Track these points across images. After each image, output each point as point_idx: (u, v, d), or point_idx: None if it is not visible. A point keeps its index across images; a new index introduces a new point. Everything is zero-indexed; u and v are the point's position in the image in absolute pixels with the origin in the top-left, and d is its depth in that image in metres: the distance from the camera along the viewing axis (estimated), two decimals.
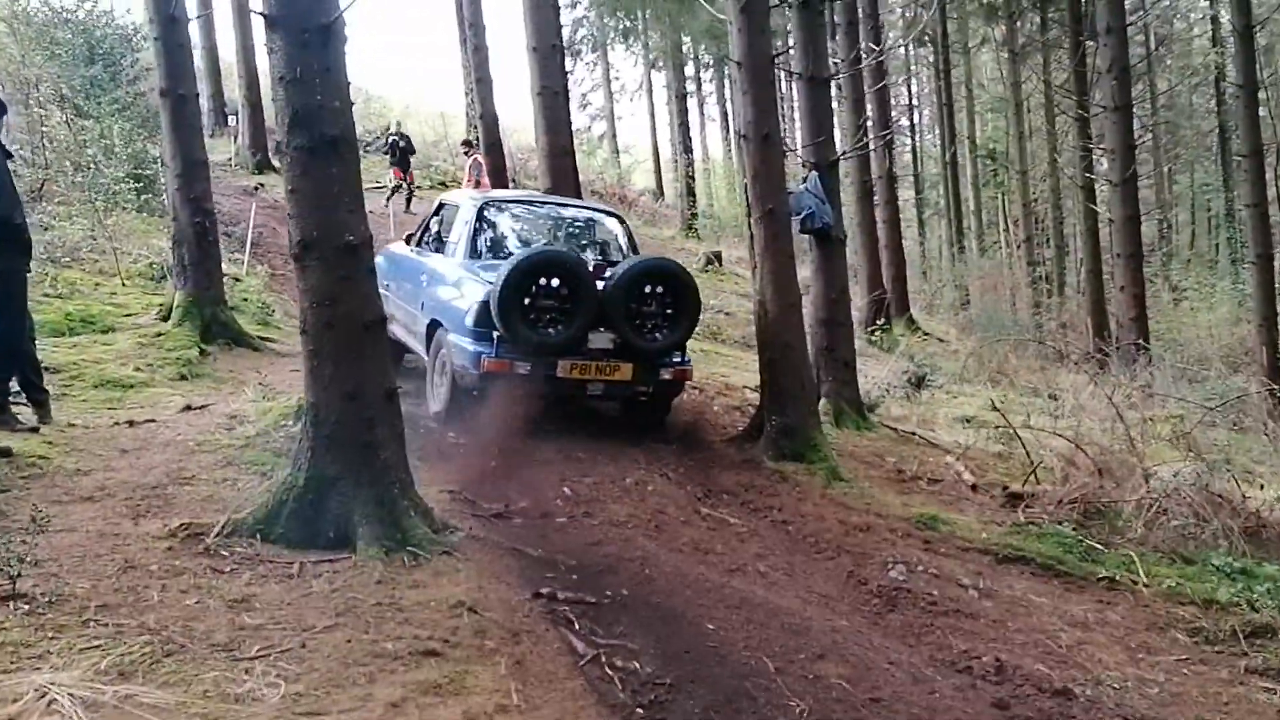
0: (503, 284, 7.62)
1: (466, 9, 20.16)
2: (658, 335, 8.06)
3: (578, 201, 10.95)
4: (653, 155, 40.46)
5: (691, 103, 38.65)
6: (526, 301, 7.69)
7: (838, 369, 9.62)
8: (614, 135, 41.82)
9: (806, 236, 9.80)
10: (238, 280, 11.96)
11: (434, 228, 9.64)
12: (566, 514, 6.31)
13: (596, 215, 9.67)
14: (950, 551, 6.58)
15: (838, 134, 11.79)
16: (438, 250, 9.24)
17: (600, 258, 8.88)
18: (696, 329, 8.71)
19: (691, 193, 29.07)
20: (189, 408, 7.38)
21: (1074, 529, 7.14)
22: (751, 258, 8.49)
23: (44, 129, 13.47)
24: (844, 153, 10.91)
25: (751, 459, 8.05)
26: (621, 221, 9.53)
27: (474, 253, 8.66)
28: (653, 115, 40.53)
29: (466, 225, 8.83)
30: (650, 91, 40.91)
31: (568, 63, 38.29)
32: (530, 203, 9.63)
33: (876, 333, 17.22)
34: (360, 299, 5.16)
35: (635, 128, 70.59)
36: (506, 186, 20.48)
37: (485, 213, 8.96)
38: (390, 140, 21.14)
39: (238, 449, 6.36)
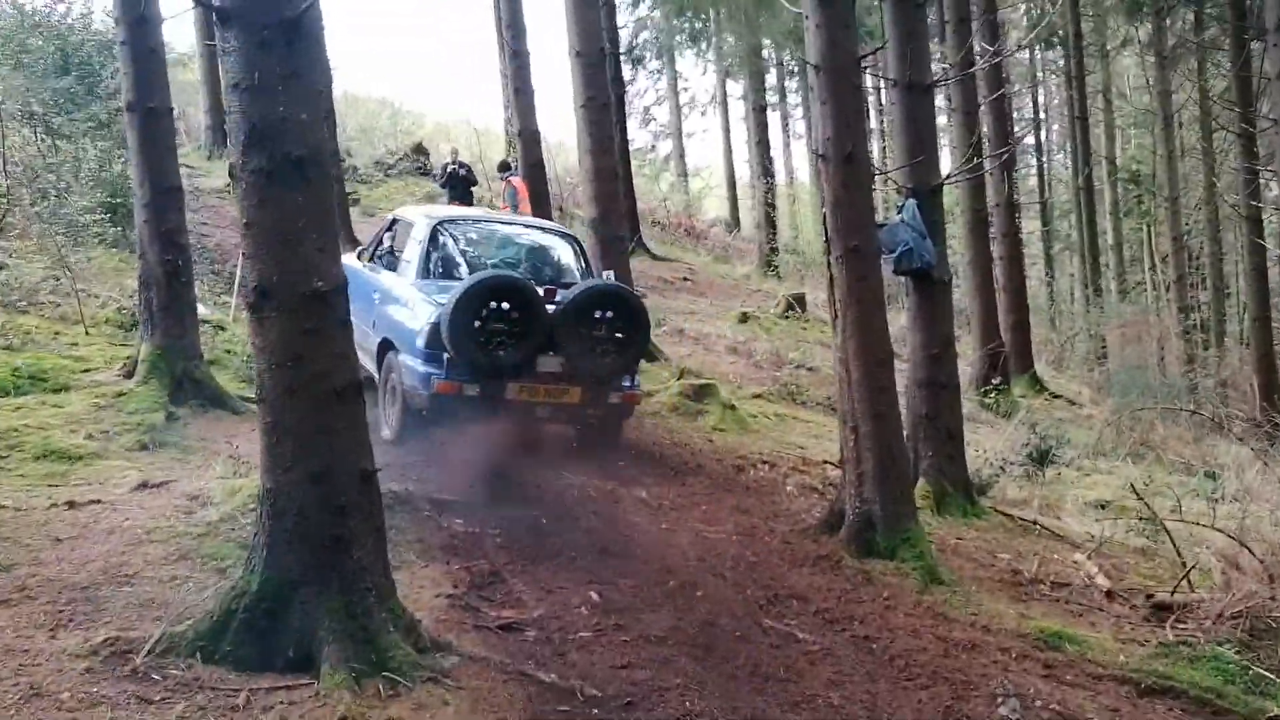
0: (454, 306, 8.69)
1: (503, 8, 20.14)
2: (606, 359, 9.24)
3: (534, 222, 12.32)
4: (727, 179, 40.30)
5: (772, 117, 38.51)
6: (477, 324, 8.77)
7: (940, 441, 9.24)
8: (681, 155, 41.77)
9: (902, 279, 9.48)
10: (220, 329, 11.85)
11: (386, 243, 10.73)
12: (592, 626, 5.98)
13: (551, 237, 11.06)
14: (1078, 680, 6.15)
15: (944, 154, 11.43)
16: (390, 267, 10.39)
17: (553, 280, 10.07)
18: (772, 388, 10.44)
19: (771, 223, 28.76)
20: (144, 485, 7.21)
21: (1238, 651, 6.68)
22: (831, 305, 8.18)
23: (3, 151, 13.54)
24: (950, 176, 10.55)
25: (830, 555, 7.69)
26: (576, 243, 11.02)
27: (426, 272, 9.82)
28: (727, 132, 40.37)
29: (420, 244, 9.98)
30: (724, 104, 40.80)
31: (627, 71, 38.48)
32: (485, 222, 11.06)
33: (991, 394, 16.69)
34: (331, 358, 4.93)
35: (707, 147, 70.55)
36: (549, 215, 20.42)
37: (439, 231, 10.14)
38: (449, 171, 21.14)
39: (195, 539, 6.15)
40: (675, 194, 37.26)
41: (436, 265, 9.96)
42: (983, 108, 17.54)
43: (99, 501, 6.74)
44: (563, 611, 6.09)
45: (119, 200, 14.39)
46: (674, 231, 29.19)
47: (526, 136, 19.86)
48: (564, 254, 10.83)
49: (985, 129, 17.71)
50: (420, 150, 28.69)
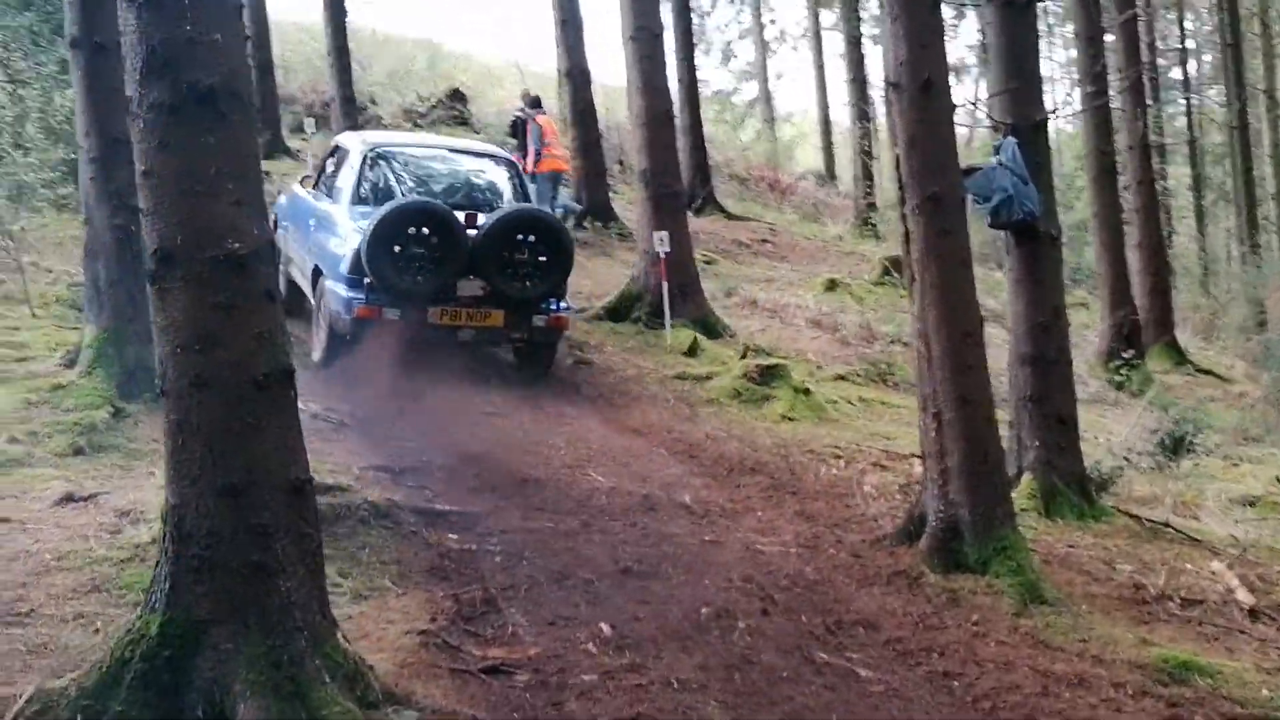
0: (371, 233, 10.23)
1: None
2: (528, 283, 10.77)
3: (469, 146, 13.76)
4: (820, 125, 39.28)
5: (873, 51, 37.51)
6: (397, 249, 10.29)
7: (1048, 429, 8.67)
8: (768, 99, 41.03)
9: (1001, 234, 8.91)
10: None
11: (328, 170, 12.22)
12: (599, 667, 5.48)
13: (487, 163, 12.57)
14: None
15: (1057, 86, 10.73)
16: (328, 195, 11.89)
17: (488, 205, 11.61)
18: (858, 368, 11.58)
19: (869, 175, 27.99)
20: (69, 499, 6.82)
21: None
22: (907, 266, 7.65)
23: None
24: (1056, 110, 9.88)
25: (907, 570, 7.16)
26: (512, 167, 12.56)
27: (358, 198, 11.30)
28: (821, 70, 39.24)
29: (352, 170, 11.50)
30: (817, 38, 39.72)
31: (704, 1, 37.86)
32: (420, 147, 12.61)
33: (1121, 370, 15.91)
34: (251, 340, 4.48)
35: (800, 89, 69.58)
36: (604, 172, 20.03)
37: (371, 158, 11.64)
38: (515, 118, 20.68)
39: (115, 565, 5.78)
40: (760, 143, 36.54)
41: (368, 192, 11.40)
42: (1109, 29, 16.72)
43: (6, 520, 6.35)
44: (565, 649, 5.60)
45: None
46: (756, 186, 28.56)
47: (575, 76, 19.52)
48: (499, 180, 12.30)
49: (1118, 55, 16.89)
50: (457, 96, 28.32)
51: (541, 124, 18.65)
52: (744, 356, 12.33)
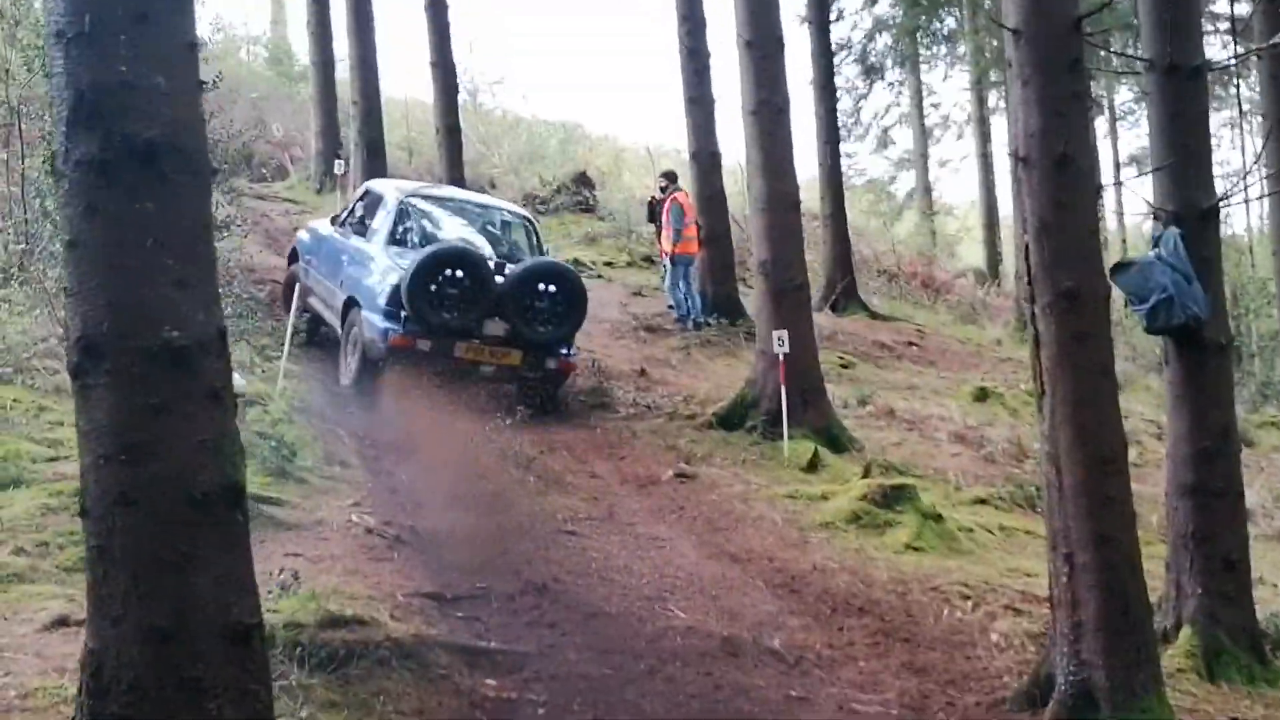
0: (413, 271, 12.33)
1: (680, 1, 19.36)
2: (545, 328, 12.91)
3: (492, 202, 16.31)
4: (984, 218, 38.22)
5: None
6: (433, 288, 12.37)
7: (1213, 573, 7.84)
8: (927, 189, 40.20)
9: (1158, 340, 8.20)
10: (258, 404, 11.17)
11: (358, 212, 14.56)
12: None
13: (509, 216, 15.09)
14: None
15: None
16: (359, 233, 14.08)
17: (506, 256, 13.79)
18: (1003, 490, 12.28)
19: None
20: (61, 622, 6.34)
21: None
22: (1036, 376, 6.98)
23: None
24: (1228, 193, 9.03)
25: None
26: (531, 224, 15.05)
27: (393, 240, 13.53)
28: (985, 159, 38.32)
29: (389, 215, 13.77)
30: (983, 124, 38.88)
31: (852, 78, 37.36)
32: (449, 200, 14.89)
33: None
34: (191, 449, 3.97)
35: (963, 179, 68.74)
36: (732, 264, 19.58)
37: (406, 205, 13.95)
38: (652, 198, 20.42)
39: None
40: (918, 236, 35.80)
41: (402, 235, 13.64)
42: None
43: None
44: None
45: None
46: (907, 283, 27.81)
47: (703, 158, 19.17)
48: (518, 233, 14.68)
49: None
50: (584, 181, 28.13)
51: (682, 202, 18.55)
52: (866, 475, 11.58)
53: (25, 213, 13.05)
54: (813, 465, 12.28)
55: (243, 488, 4.13)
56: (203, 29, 17.02)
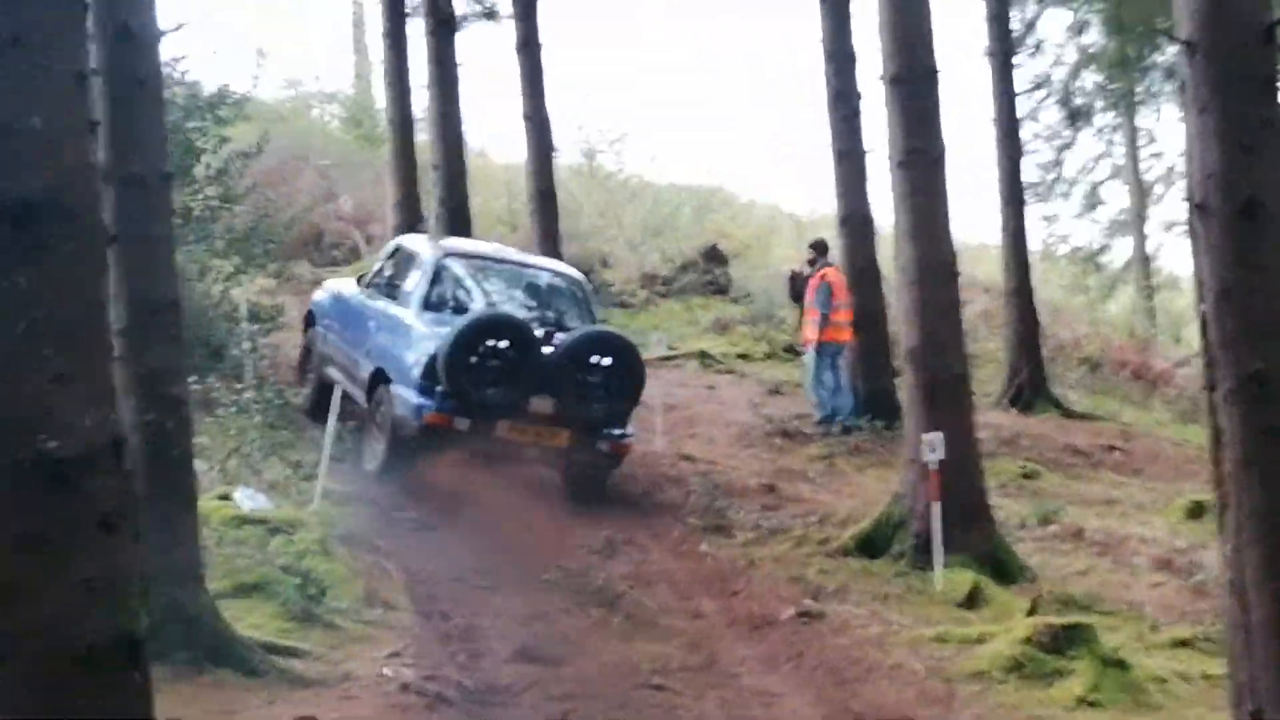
0: (452, 341, 12.77)
1: (826, 31, 19.24)
2: (598, 406, 13.38)
3: (540, 262, 16.71)
4: None
5: None
6: (474, 360, 12.78)
7: None
8: (1145, 260, 39.48)
9: None
10: (280, 532, 11.16)
11: (388, 271, 15.23)
12: None
13: (557, 279, 15.55)
14: None
15: None
16: (389, 296, 14.74)
17: (555, 322, 14.32)
18: (1212, 629, 11.06)
19: None
20: None
21: None
22: (1217, 478, 6.67)
23: None
24: None
25: None
26: (584, 288, 15.61)
27: (428, 305, 14.04)
28: None
29: (424, 276, 14.32)
30: None
31: (1049, 121, 36.84)
32: (491, 259, 15.48)
33: None
34: (73, 592, 3.91)
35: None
36: (888, 351, 19.28)
37: (445, 265, 14.48)
38: (793, 273, 20.25)
39: None
40: (1133, 315, 35.11)
41: (438, 299, 14.16)
42: None
43: None
44: None
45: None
46: (1115, 374, 27.24)
47: (854, 225, 19.06)
48: (569, 297, 15.24)
49: None
50: (715, 257, 28.11)
51: (831, 280, 18.47)
52: (1032, 611, 11.20)
53: None
54: (971, 600, 11.96)
55: (141, 639, 4.02)
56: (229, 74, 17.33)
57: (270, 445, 12.51)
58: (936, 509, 12.39)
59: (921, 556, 12.60)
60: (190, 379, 13.65)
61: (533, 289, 15.08)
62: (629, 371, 13.66)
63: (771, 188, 63.25)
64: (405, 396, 13.08)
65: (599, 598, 11.03)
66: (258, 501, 11.66)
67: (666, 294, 26.27)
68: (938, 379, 13.05)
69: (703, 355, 23.27)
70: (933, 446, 12.43)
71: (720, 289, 27.22)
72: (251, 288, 18.91)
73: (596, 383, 13.41)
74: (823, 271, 18.47)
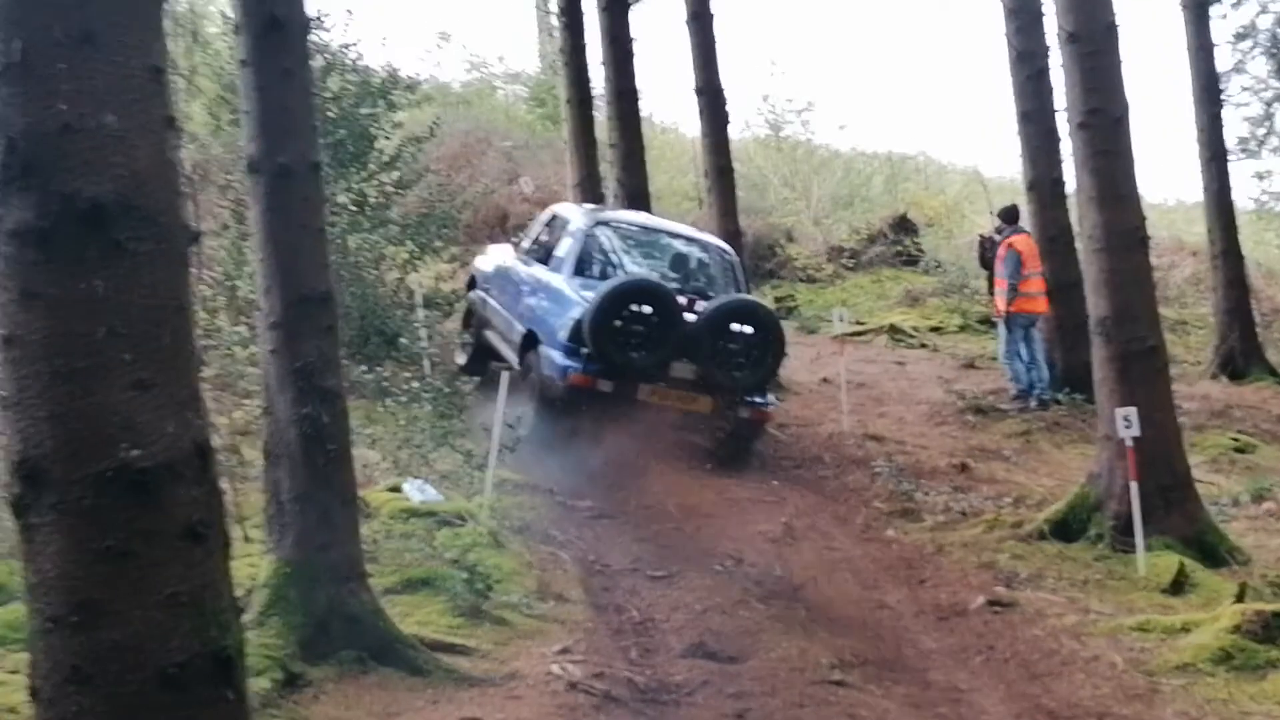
0: (597, 305, 13.46)
1: None
2: (738, 373, 13.91)
3: (691, 233, 17.41)
4: None
5: None
6: (617, 324, 13.46)
7: None
8: None
9: None
10: (450, 523, 10.98)
11: (543, 238, 16.20)
12: None
13: (707, 250, 16.38)
14: None
15: None
16: (542, 261, 15.61)
17: (702, 291, 15.04)
18: None
19: None
20: None
21: None
22: None
23: None
24: None
25: None
26: (733, 257, 16.45)
27: (578, 270, 14.82)
28: None
29: (575, 242, 15.22)
30: None
31: (1272, 80, 35.44)
32: (642, 227, 16.49)
33: None
34: (159, 609, 3.71)
35: None
36: (1085, 322, 18.60)
37: (595, 231, 15.47)
38: (982, 239, 19.80)
39: None
40: None
41: (589, 264, 14.97)
42: None
43: None
44: None
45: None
46: None
47: (1043, 190, 18.72)
48: (717, 267, 16.08)
49: None
50: (905, 227, 27.69)
51: (1020, 248, 17.98)
52: (1240, 598, 10.59)
53: None
54: (1176, 585, 11.36)
55: (231, 656, 3.79)
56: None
57: (442, 434, 12.34)
58: (1135, 488, 11.86)
59: (1122, 539, 12.06)
60: (362, 368, 13.76)
61: (680, 258, 15.85)
62: (770, 340, 14.21)
63: (972, 151, 62.03)
64: (552, 357, 13.83)
65: (778, 588, 10.67)
66: (427, 493, 11.53)
67: (854, 267, 25.90)
68: (1130, 350, 12.51)
69: (892, 330, 22.94)
70: (1127, 421, 11.90)
71: (911, 260, 26.84)
72: (429, 272, 18.95)
73: (737, 350, 13.95)
74: (1010, 239, 17.94)
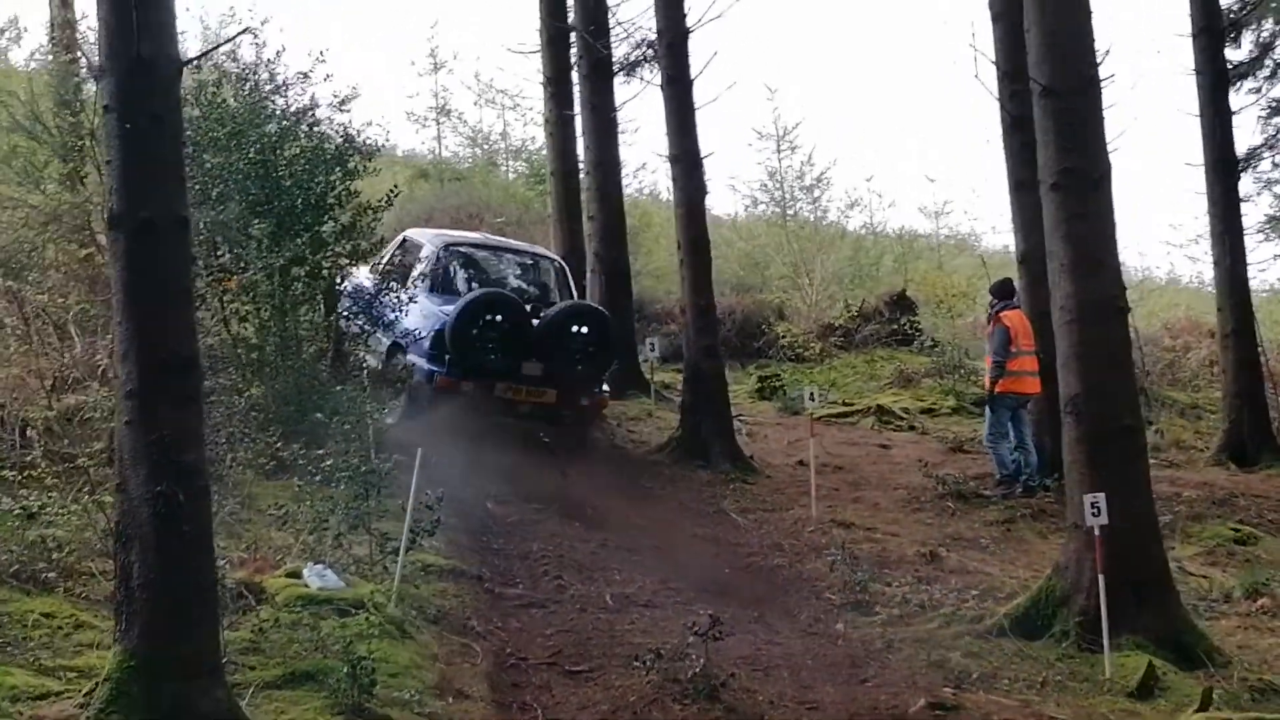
0: (456, 316, 16.14)
1: (999, 52, 17.95)
2: (579, 368, 17.00)
3: (524, 247, 20.86)
4: None
5: None
6: (474, 332, 16.12)
7: None
8: None
9: None
10: (349, 611, 10.24)
11: (398, 259, 18.75)
12: None
13: (541, 262, 19.88)
14: None
15: None
16: (400, 280, 17.67)
17: (540, 299, 18.34)
18: None
19: None
20: None
21: None
22: None
23: None
24: None
25: None
26: (564, 268, 19.87)
27: (433, 288, 17.59)
28: None
29: (428, 263, 18.14)
30: None
31: None
32: (482, 246, 19.69)
33: None
34: None
35: None
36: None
37: (444, 253, 18.37)
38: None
39: None
40: None
41: (441, 282, 17.81)
42: None
43: None
44: None
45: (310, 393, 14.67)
46: None
47: (1032, 261, 18.12)
48: (551, 278, 19.48)
49: None
50: (902, 304, 27.19)
51: (1009, 324, 17.32)
52: (1204, 706, 9.70)
53: None
54: (1144, 689, 10.51)
55: None
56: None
57: (355, 517, 11.66)
58: (1102, 581, 11.05)
59: (1088, 637, 11.25)
60: (297, 446, 13.18)
61: (520, 271, 19.56)
62: (604, 338, 17.27)
63: (998, 225, 61.28)
64: (420, 364, 16.38)
65: (697, 686, 9.84)
66: (327, 579, 10.87)
67: (846, 346, 25.29)
68: (1102, 431, 11.77)
69: (880, 411, 22.26)
70: (1095, 509, 11.12)
71: (906, 339, 26.28)
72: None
73: (577, 348, 16.93)
74: (1000, 314, 17.33)
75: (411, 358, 16.55)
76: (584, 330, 17.05)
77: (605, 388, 18.13)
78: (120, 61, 8.29)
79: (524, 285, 19.15)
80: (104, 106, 8.49)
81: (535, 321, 16.91)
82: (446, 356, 16.18)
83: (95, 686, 8.17)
